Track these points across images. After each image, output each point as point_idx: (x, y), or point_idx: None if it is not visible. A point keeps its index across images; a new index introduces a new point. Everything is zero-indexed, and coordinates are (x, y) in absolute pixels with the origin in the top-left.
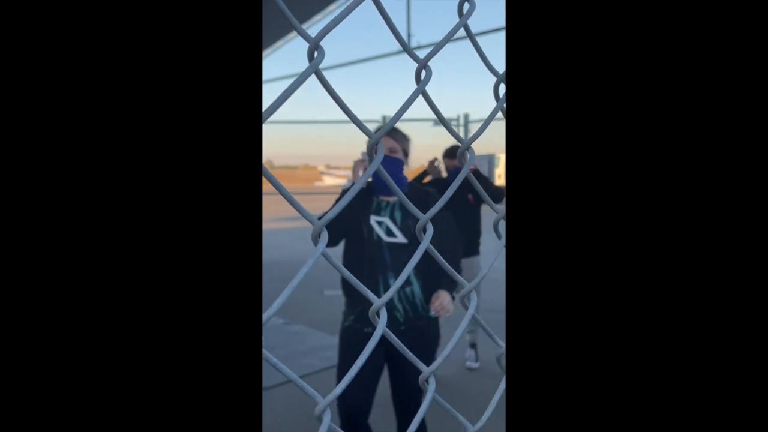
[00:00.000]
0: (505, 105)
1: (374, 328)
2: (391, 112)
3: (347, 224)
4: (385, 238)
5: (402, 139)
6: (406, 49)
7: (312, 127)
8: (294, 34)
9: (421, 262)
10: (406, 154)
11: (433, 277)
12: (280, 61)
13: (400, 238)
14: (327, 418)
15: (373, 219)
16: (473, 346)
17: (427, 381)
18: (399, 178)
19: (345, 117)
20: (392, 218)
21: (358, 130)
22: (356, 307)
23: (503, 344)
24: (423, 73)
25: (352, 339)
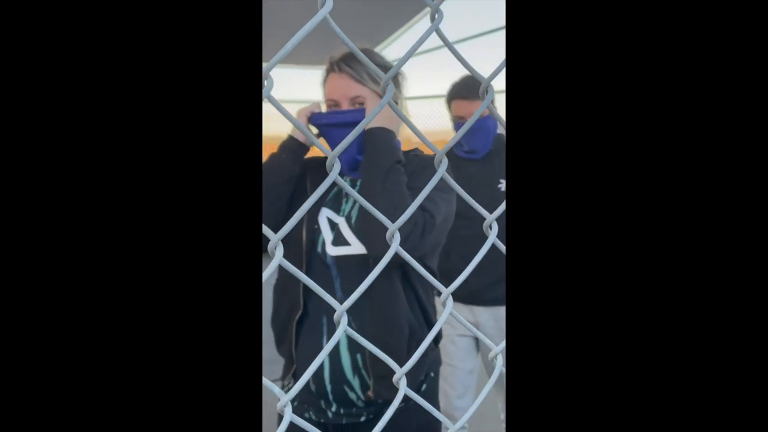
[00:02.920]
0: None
1: (316, 413)
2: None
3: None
4: (332, 250)
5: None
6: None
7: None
8: (418, 17)
9: (383, 290)
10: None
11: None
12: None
13: (355, 248)
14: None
15: (325, 215)
16: None
17: None
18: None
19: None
20: (348, 215)
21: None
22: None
23: None
24: None
25: None
